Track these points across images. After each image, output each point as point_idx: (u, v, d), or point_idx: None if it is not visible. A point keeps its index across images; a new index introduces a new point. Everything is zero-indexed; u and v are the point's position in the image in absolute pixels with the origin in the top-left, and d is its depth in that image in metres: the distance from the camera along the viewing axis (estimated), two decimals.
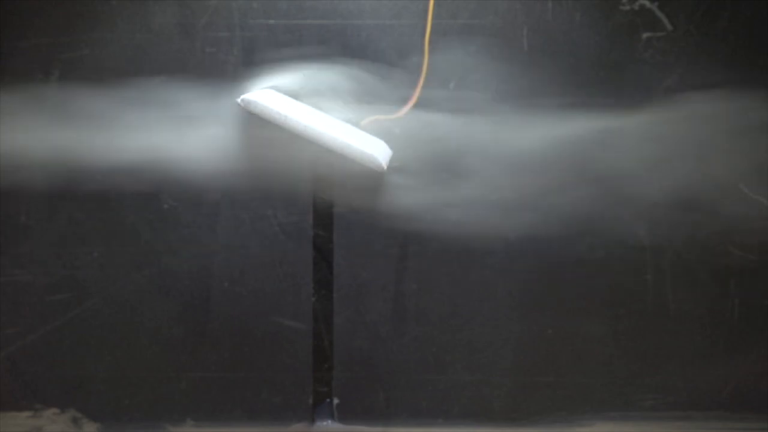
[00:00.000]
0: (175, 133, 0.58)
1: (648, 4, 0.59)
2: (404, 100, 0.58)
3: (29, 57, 0.59)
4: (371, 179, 0.58)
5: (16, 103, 0.58)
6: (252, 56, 0.59)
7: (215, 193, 0.60)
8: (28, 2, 0.59)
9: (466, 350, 0.62)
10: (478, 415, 0.62)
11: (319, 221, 0.61)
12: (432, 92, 0.59)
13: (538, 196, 0.59)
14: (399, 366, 0.62)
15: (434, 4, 0.58)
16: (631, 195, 0.59)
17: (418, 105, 0.58)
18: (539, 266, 0.61)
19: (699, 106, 0.59)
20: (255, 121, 0.58)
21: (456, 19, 0.59)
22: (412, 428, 0.62)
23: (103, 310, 0.61)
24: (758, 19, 0.59)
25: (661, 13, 0.59)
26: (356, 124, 0.58)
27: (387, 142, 0.58)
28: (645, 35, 0.59)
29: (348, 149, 0.54)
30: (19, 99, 0.58)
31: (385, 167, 0.55)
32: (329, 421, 0.62)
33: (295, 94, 0.58)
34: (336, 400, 0.62)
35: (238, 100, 0.55)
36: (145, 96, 0.58)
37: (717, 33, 0.59)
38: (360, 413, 0.62)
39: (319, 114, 0.57)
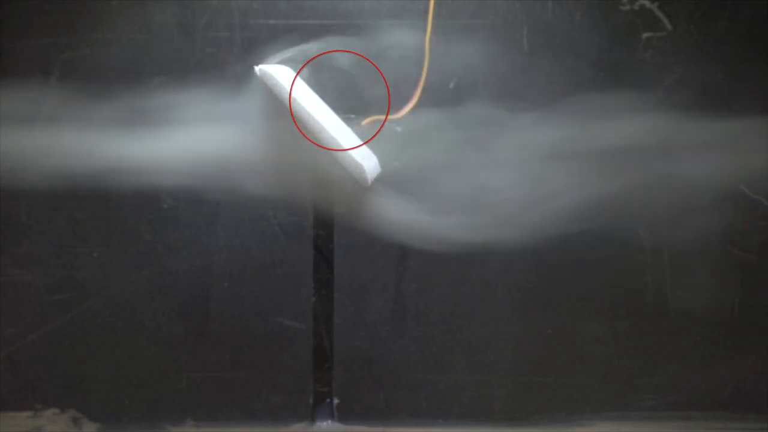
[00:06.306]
0: (174, 133, 0.58)
1: (648, 4, 0.59)
2: (404, 100, 0.58)
3: (29, 57, 0.59)
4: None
5: (16, 103, 0.58)
6: (252, 56, 0.59)
7: (215, 193, 0.60)
8: (28, 2, 0.59)
9: (466, 350, 0.62)
10: (478, 415, 0.62)
11: (319, 221, 0.61)
12: (432, 92, 0.59)
13: (538, 196, 0.59)
14: (399, 366, 0.62)
15: (434, 4, 0.58)
16: (630, 195, 0.59)
17: (419, 105, 0.58)
18: (539, 266, 0.61)
19: (698, 105, 0.59)
20: (256, 121, 0.58)
21: (456, 19, 0.59)
22: (412, 428, 0.62)
23: (103, 310, 0.61)
24: (758, 19, 0.59)
25: (661, 13, 0.59)
26: (356, 124, 0.58)
27: (387, 141, 0.58)
28: (645, 35, 0.59)
29: (340, 153, 0.54)
30: (19, 99, 0.58)
31: (370, 183, 0.56)
32: (329, 421, 0.62)
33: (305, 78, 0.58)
34: (336, 400, 0.62)
35: (256, 68, 0.55)
36: (145, 96, 0.58)
37: (717, 33, 0.59)
38: (360, 413, 0.62)
39: (326, 109, 0.56)
